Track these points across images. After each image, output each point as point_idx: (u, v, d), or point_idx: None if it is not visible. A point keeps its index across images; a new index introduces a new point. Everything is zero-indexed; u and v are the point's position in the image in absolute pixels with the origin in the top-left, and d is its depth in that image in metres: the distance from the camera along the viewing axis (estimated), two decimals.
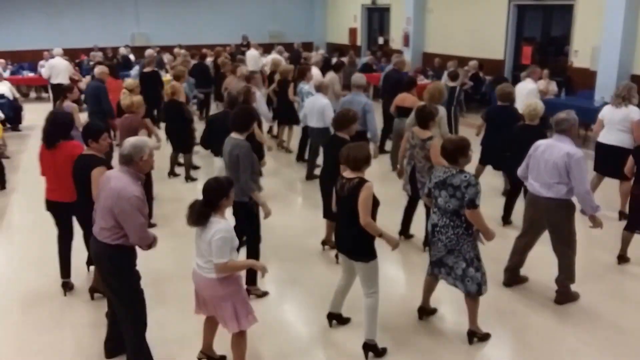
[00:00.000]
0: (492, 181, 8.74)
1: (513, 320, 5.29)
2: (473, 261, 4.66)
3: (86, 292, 5.64)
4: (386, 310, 5.20)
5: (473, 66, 14.36)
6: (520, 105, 7.96)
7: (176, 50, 16.82)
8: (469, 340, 4.86)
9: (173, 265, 6.17)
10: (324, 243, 6.68)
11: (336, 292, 5.00)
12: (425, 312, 5.22)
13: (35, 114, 14.24)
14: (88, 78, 13.77)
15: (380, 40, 20.47)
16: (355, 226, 4.42)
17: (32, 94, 17.97)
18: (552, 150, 5.24)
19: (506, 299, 5.64)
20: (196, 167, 9.95)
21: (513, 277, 5.84)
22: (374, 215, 4.47)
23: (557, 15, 13.85)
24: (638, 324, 5.19)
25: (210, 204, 3.99)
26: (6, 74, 15.42)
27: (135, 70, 14.58)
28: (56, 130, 5.45)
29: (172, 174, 9.57)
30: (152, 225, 7.29)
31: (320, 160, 7.81)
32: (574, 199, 5.30)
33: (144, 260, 4.38)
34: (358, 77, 8.62)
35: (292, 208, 8.43)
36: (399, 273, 6.39)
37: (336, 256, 6.26)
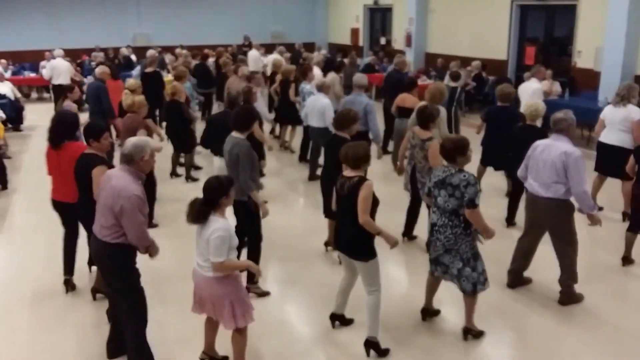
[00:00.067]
0: (495, 182, 8.70)
1: (515, 321, 5.28)
2: (470, 261, 4.67)
3: (88, 293, 5.64)
4: (388, 310, 5.22)
5: (476, 66, 14.33)
6: (525, 104, 7.92)
7: (178, 50, 16.81)
8: (464, 336, 4.90)
9: (174, 265, 6.16)
10: (326, 244, 6.65)
11: (338, 292, 5.00)
12: (429, 313, 5.21)
13: (37, 115, 14.29)
14: (90, 78, 13.75)
15: (383, 41, 20.44)
16: (355, 225, 4.43)
17: (34, 95, 17.98)
18: (550, 149, 5.25)
19: (508, 300, 5.63)
20: (198, 168, 9.94)
21: (517, 279, 5.82)
22: (373, 214, 4.49)
23: (560, 15, 13.81)
24: None
25: (210, 202, 4.02)
26: (8, 75, 15.44)
27: (136, 71, 14.57)
28: (61, 130, 5.50)
29: (174, 174, 9.57)
30: (154, 226, 7.31)
31: (321, 160, 7.79)
32: (572, 199, 5.30)
33: (144, 259, 4.36)
34: (360, 77, 8.60)
35: (294, 208, 8.41)
36: (401, 273, 6.38)
37: (339, 257, 6.23)
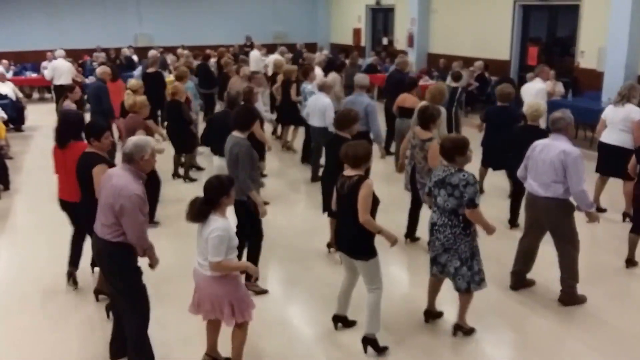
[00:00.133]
0: (495, 182, 8.67)
1: (515, 321, 5.29)
2: (467, 260, 4.69)
3: (91, 294, 5.64)
4: (390, 310, 5.25)
5: (478, 67, 14.29)
6: (526, 105, 7.89)
7: (179, 51, 16.79)
8: (453, 332, 4.96)
9: (176, 265, 6.14)
10: (329, 245, 6.63)
11: (340, 293, 5.00)
12: (432, 315, 5.21)
13: (38, 115, 14.31)
14: (92, 78, 13.75)
15: (385, 41, 20.42)
16: (355, 224, 4.46)
17: (35, 95, 17.99)
18: (549, 149, 5.27)
19: (508, 300, 5.63)
20: (200, 169, 9.94)
21: (519, 281, 5.80)
22: (373, 214, 4.51)
23: (562, 15, 13.76)
24: None
25: (210, 201, 4.05)
26: (9, 75, 15.42)
27: (138, 71, 14.55)
28: (67, 130, 5.55)
29: (176, 175, 9.56)
30: (155, 223, 7.36)
31: (323, 160, 7.77)
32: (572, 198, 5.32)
33: (147, 259, 4.34)
34: (361, 78, 8.58)
35: (296, 209, 8.40)
36: (403, 274, 6.39)
37: (340, 257, 6.22)
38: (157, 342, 4.56)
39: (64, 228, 6.85)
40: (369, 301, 4.61)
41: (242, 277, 4.69)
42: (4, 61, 16.41)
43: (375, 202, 4.49)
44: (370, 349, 4.69)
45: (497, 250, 6.49)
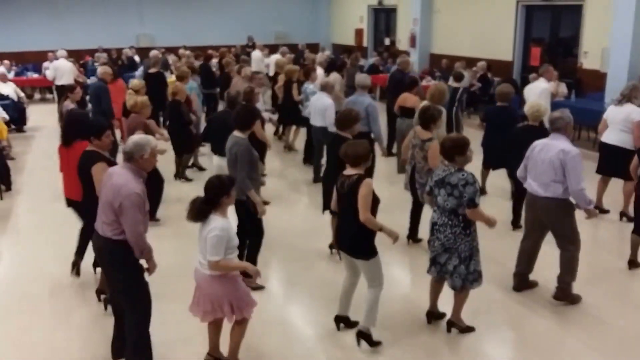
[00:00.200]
0: (496, 182, 8.64)
1: (515, 321, 5.30)
2: (466, 260, 4.72)
3: (92, 293, 5.64)
4: (391, 310, 5.30)
5: (481, 67, 14.24)
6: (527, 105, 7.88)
7: (181, 51, 16.80)
8: (447, 329, 5.00)
9: (177, 265, 6.15)
10: (331, 246, 6.60)
11: (342, 294, 5.01)
12: (434, 315, 5.21)
13: (40, 116, 14.32)
14: (93, 79, 13.74)
15: (387, 41, 20.38)
16: (355, 223, 4.49)
17: (37, 95, 17.98)
18: (548, 148, 5.29)
19: (509, 300, 5.64)
20: (202, 169, 9.96)
21: (522, 282, 5.79)
22: (374, 213, 4.54)
23: (565, 15, 13.72)
24: None
25: (211, 201, 4.09)
26: (11, 75, 15.42)
27: (139, 72, 14.53)
28: (71, 128, 5.66)
29: (177, 175, 9.53)
30: (156, 220, 7.39)
31: (325, 160, 7.77)
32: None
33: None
34: (363, 78, 8.57)
35: (297, 209, 8.39)
36: (405, 275, 6.39)
37: (339, 254, 6.21)
38: (158, 342, 4.57)
39: (65, 228, 6.88)
40: (368, 297, 4.68)
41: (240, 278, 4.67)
42: (6, 62, 16.42)
43: (375, 201, 4.53)
44: (363, 343, 4.74)
45: (497, 250, 6.49)
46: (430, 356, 4.75)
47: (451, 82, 10.08)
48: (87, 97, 10.55)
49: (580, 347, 4.85)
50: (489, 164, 8.32)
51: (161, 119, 11.46)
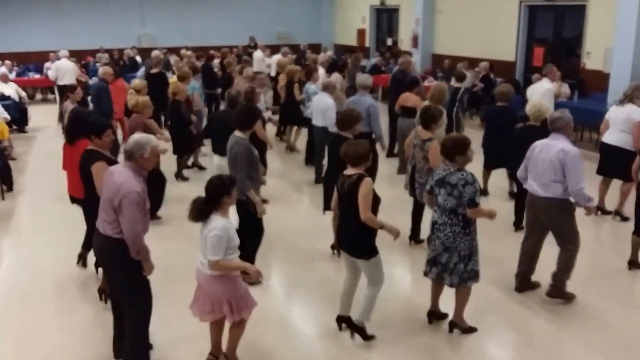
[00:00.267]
0: (496, 182, 8.60)
1: (516, 321, 5.30)
2: (465, 258, 4.74)
3: (93, 293, 5.65)
4: (392, 310, 5.35)
5: (484, 67, 14.20)
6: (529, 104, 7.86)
7: (183, 51, 16.78)
8: (450, 329, 5.01)
9: (179, 265, 6.16)
10: (333, 247, 6.59)
11: (342, 294, 5.01)
12: (435, 315, 5.21)
13: (41, 116, 14.32)
14: (95, 79, 13.74)
15: (389, 42, 20.36)
16: (356, 223, 4.51)
17: (38, 96, 17.99)
18: (548, 149, 5.30)
19: (510, 300, 5.63)
20: (202, 168, 9.96)
21: (524, 283, 5.79)
22: (375, 212, 4.55)
23: (568, 15, 13.68)
24: None
25: (211, 201, 4.10)
26: (12, 76, 15.42)
27: (141, 72, 14.53)
28: (74, 126, 5.74)
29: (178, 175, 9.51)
30: (157, 218, 7.40)
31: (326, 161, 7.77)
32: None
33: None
34: (364, 78, 8.56)
35: (298, 209, 8.39)
36: (406, 275, 6.38)
37: (339, 253, 6.23)
38: (159, 342, 4.59)
39: (67, 229, 6.88)
40: (367, 293, 4.74)
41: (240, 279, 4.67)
42: (7, 62, 16.43)
43: (376, 200, 4.55)
44: (357, 336, 4.84)
45: (499, 251, 6.47)
46: (431, 356, 4.75)
47: (453, 82, 10.07)
48: (89, 98, 10.57)
49: (582, 348, 4.84)
50: (489, 165, 8.30)
51: (163, 119, 11.46)
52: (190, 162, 9.92)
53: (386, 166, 9.48)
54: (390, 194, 7.37)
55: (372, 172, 6.59)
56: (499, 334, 5.10)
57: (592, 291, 5.70)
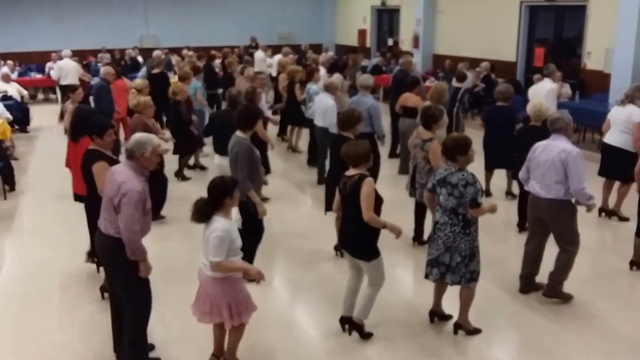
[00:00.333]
0: (496, 182, 8.59)
1: (517, 321, 5.31)
2: (466, 258, 4.75)
3: (95, 293, 5.66)
4: (394, 310, 5.36)
5: (485, 68, 14.20)
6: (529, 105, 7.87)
7: (184, 52, 16.79)
8: (454, 331, 5.00)
9: (180, 265, 6.18)
10: (336, 248, 6.58)
11: (346, 295, 5.00)
12: (437, 315, 5.20)
13: (43, 116, 14.31)
14: (97, 79, 13.77)
15: (390, 42, 20.36)
16: (358, 224, 4.51)
17: (40, 96, 18.00)
18: (549, 149, 5.31)
19: (512, 301, 5.63)
20: (204, 168, 9.96)
21: (529, 284, 5.77)
22: (377, 212, 4.55)
23: (569, 16, 13.68)
24: None
25: (213, 202, 4.10)
26: (14, 76, 15.43)
27: (142, 72, 14.55)
28: (78, 124, 5.79)
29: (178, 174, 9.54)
30: (161, 217, 7.42)
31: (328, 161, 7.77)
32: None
33: (151, 259, 4.32)
34: (365, 78, 8.57)
35: (301, 210, 8.40)
36: (409, 276, 6.37)
37: (341, 253, 6.23)
38: (160, 342, 4.60)
39: (68, 229, 6.89)
40: (366, 292, 4.77)
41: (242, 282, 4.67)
42: (9, 62, 16.43)
43: (379, 200, 4.55)
44: (354, 333, 4.87)
45: (503, 252, 6.47)
46: (432, 355, 4.76)
47: (454, 82, 10.08)
48: (91, 97, 10.59)
49: (584, 348, 4.84)
50: (489, 165, 8.29)
51: (164, 119, 11.47)
52: (191, 162, 9.92)
53: (387, 167, 9.49)
54: (392, 194, 7.36)
55: (374, 172, 6.59)
56: (503, 335, 5.10)
57: (594, 290, 5.70)
